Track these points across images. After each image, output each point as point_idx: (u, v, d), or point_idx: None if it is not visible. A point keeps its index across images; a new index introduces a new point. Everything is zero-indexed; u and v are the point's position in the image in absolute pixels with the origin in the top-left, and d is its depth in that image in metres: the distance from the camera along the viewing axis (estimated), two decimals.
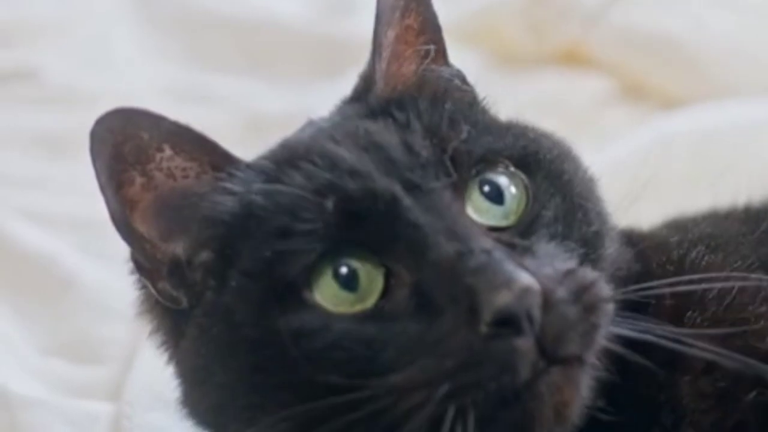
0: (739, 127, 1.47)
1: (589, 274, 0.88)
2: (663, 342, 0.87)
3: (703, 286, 0.93)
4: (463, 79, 1.03)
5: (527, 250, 0.88)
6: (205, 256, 0.92)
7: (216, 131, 0.94)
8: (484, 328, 0.82)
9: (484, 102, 1.02)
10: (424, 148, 0.90)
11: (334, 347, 0.85)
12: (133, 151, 0.90)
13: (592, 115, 1.65)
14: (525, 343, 0.82)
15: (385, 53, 0.99)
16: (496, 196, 0.91)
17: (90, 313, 1.39)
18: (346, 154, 0.90)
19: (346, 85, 1.03)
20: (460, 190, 0.90)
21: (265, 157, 0.95)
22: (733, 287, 0.93)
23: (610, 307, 0.87)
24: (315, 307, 0.87)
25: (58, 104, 1.76)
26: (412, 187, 0.88)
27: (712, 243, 1.00)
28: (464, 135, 0.92)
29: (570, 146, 1.01)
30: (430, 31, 1.02)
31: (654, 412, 0.91)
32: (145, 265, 0.95)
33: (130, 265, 0.96)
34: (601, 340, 0.86)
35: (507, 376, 0.82)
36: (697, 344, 0.87)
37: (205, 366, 0.91)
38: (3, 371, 1.29)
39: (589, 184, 0.98)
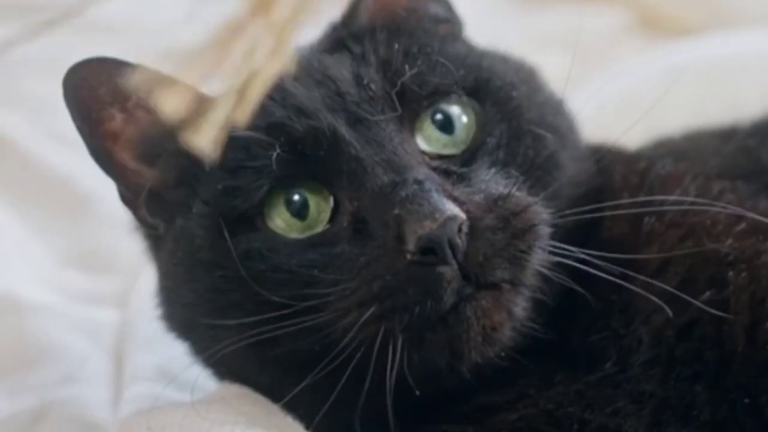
0: (748, 55, 1.47)
1: (522, 199, 0.91)
2: (600, 273, 0.89)
3: (660, 197, 0.95)
4: (448, 8, 1.06)
5: (463, 178, 0.92)
6: (175, 185, 0.98)
7: None
8: (408, 255, 0.86)
9: (461, 32, 1.05)
10: (374, 81, 0.94)
11: (277, 269, 0.90)
12: (108, 93, 0.96)
13: (606, 48, 1.65)
14: (447, 270, 0.86)
15: None
16: (447, 125, 0.95)
17: (107, 226, 1.44)
18: (299, 91, 0.95)
19: None
20: (408, 122, 0.94)
21: None
22: (690, 193, 0.95)
23: (544, 231, 0.90)
24: (265, 232, 0.92)
25: (97, 33, 1.80)
26: (356, 121, 0.92)
27: (679, 155, 1.03)
28: (416, 69, 0.95)
29: (532, 70, 1.03)
30: None
31: (606, 315, 0.93)
32: (127, 195, 1.01)
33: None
34: (536, 264, 0.89)
35: (431, 300, 0.86)
36: (638, 276, 0.90)
37: (174, 287, 0.98)
38: (15, 278, 1.36)
39: (546, 107, 1.00)
